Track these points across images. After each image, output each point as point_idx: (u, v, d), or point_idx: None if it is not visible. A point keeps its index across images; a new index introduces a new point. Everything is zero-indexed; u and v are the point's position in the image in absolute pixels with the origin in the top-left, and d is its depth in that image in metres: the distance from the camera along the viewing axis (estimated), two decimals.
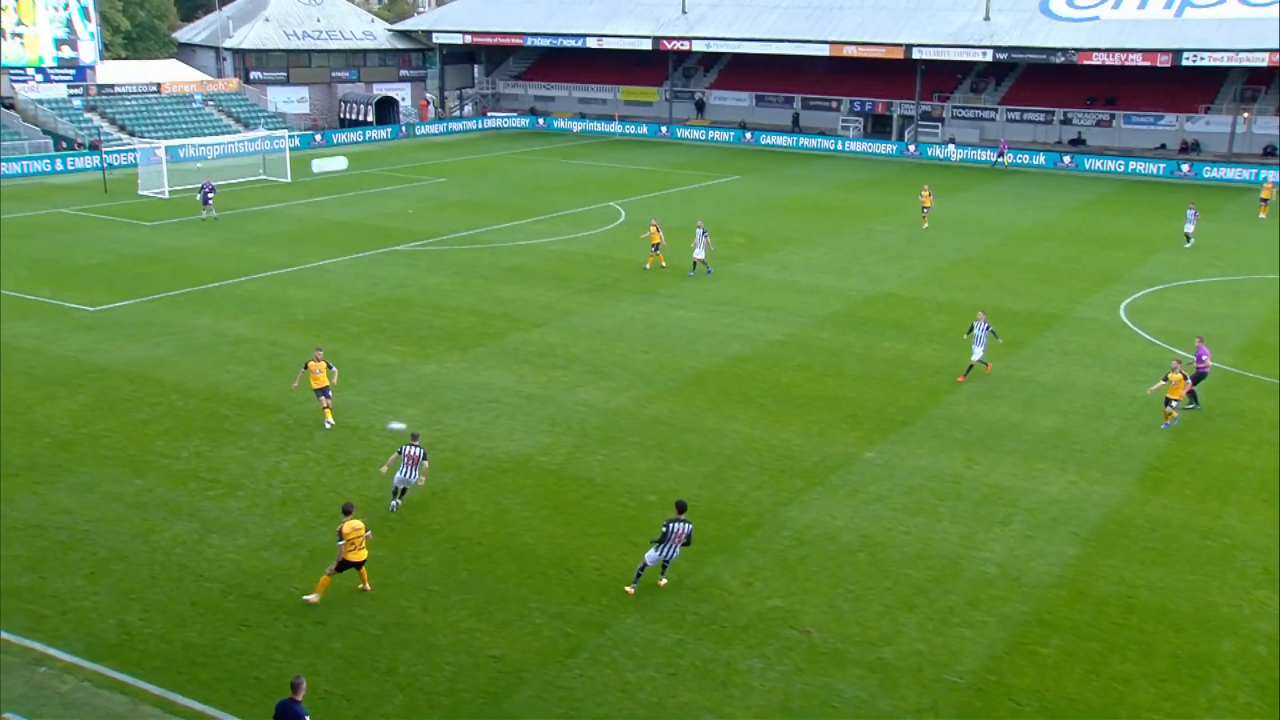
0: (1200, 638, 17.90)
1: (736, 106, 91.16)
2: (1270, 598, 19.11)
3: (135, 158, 62.90)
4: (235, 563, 19.65)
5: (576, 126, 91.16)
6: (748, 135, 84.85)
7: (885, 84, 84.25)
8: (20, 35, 71.16)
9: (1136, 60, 72.35)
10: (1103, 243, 49.63)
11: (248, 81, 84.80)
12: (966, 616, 18.38)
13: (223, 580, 19.06)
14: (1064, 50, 73.80)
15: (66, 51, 73.41)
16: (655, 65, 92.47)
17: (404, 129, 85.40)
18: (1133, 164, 73.67)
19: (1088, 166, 74.26)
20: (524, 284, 39.66)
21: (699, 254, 41.34)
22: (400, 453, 21.57)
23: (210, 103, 79.04)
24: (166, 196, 56.30)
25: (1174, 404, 26.50)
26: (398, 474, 21.55)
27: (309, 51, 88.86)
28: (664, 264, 41.85)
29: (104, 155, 63.81)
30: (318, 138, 78.40)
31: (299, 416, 26.34)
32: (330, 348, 27.66)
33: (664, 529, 18.64)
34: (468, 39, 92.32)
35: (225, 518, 21.35)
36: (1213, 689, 16.57)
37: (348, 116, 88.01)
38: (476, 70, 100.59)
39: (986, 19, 76.34)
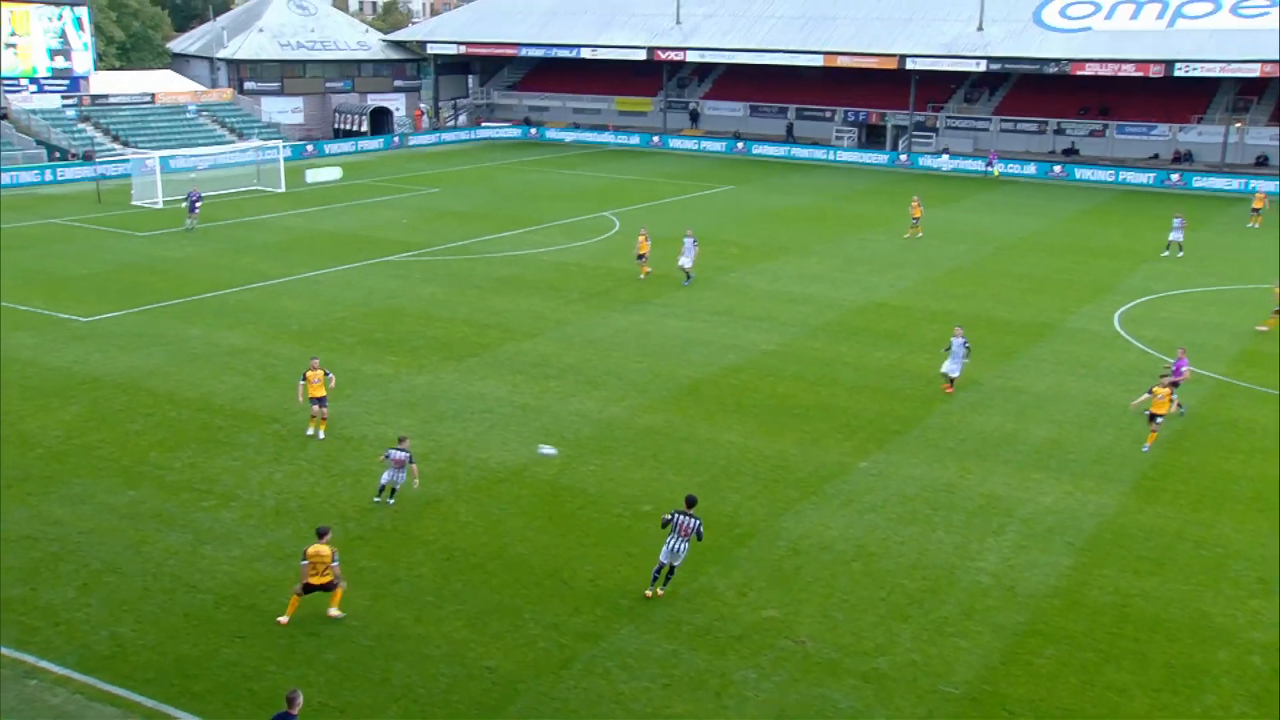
0: (1195, 647, 17.90)
1: (731, 116, 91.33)
2: (1265, 607, 19.12)
3: (129, 168, 62.86)
4: (228, 574, 19.59)
5: (569, 137, 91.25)
6: (740, 145, 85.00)
7: (879, 94, 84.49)
8: (14, 45, 71.14)
9: (1129, 71, 72.61)
10: (1095, 252, 49.74)
11: (242, 92, 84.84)
12: (961, 627, 18.37)
13: (216, 592, 19.00)
14: (1057, 61, 74.03)
15: (60, 62, 73.41)
16: (650, 75, 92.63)
17: (397, 139, 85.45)
18: (1123, 174, 73.92)
19: (1079, 176, 74.47)
20: (518, 294, 39.66)
21: (686, 262, 41.36)
22: (386, 456, 22.05)
23: (204, 113, 79.04)
24: (160, 207, 56.26)
25: (1159, 420, 26.04)
26: (384, 474, 22.17)
27: (303, 62, 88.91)
28: (643, 274, 41.68)
29: (97, 165, 63.78)
30: (310, 148, 78.38)
31: (293, 427, 26.29)
32: (324, 358, 27.61)
33: (667, 518, 18.72)
34: (462, 49, 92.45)
35: (218, 529, 21.29)
36: (1207, 699, 16.57)
37: (342, 127, 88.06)
38: (471, 80, 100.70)
39: (980, 29, 76.57)
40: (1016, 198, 66.52)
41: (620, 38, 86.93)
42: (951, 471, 24.70)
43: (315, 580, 17.68)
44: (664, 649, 17.57)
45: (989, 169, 75.76)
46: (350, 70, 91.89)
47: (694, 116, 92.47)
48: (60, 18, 72.82)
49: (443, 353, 32.52)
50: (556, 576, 19.76)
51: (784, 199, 64.13)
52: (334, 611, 18.07)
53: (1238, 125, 76.03)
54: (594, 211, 57.58)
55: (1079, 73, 74.10)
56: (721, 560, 20.29)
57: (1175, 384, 28.03)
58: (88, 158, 68.04)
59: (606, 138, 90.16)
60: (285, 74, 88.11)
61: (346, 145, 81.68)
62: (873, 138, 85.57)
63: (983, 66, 76.49)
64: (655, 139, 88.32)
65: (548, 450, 21.72)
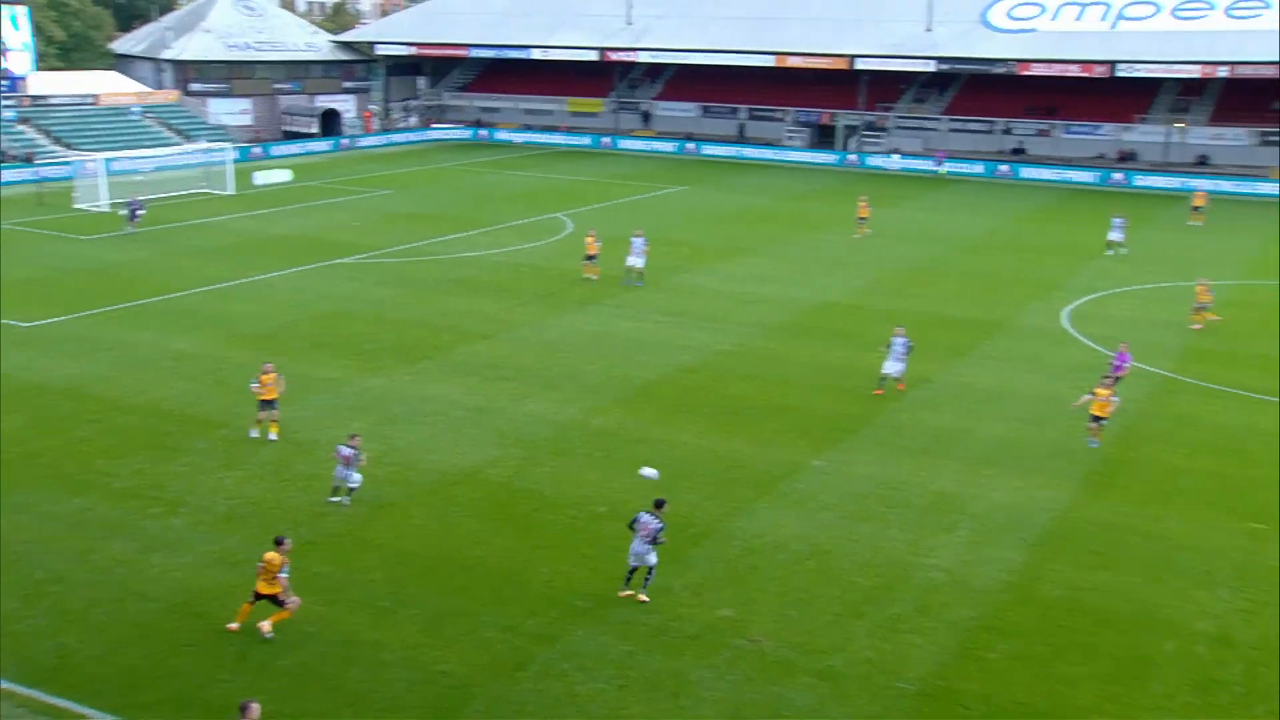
0: (1142, 639, 18.15)
1: (683, 117, 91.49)
2: (1209, 599, 19.43)
3: (70, 170, 61.87)
4: (178, 581, 19.33)
5: (519, 138, 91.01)
6: (690, 145, 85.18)
7: (830, 94, 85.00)
8: None
9: (1074, 71, 73.65)
10: (1042, 251, 50.34)
11: (188, 93, 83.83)
12: (915, 623, 18.50)
13: (165, 600, 18.73)
14: (1003, 61, 74.90)
15: None
16: (601, 76, 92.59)
17: (347, 141, 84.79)
18: (1068, 173, 74.95)
19: (1026, 176, 75.37)
20: (470, 296, 39.48)
21: (637, 263, 41.35)
22: (336, 451, 22.36)
23: (149, 115, 77.96)
24: (106, 209, 55.43)
25: (1102, 422, 25.93)
26: (336, 470, 22.39)
27: (251, 63, 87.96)
28: (587, 276, 41.50)
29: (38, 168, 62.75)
30: (258, 150, 77.56)
31: (244, 432, 25.98)
32: (275, 362, 27.30)
33: (634, 519, 18.81)
34: (412, 50, 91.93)
35: (168, 536, 21.00)
36: (1154, 689, 16.81)
37: (291, 129, 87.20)
38: (421, 82, 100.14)
39: (928, 30, 77.23)
40: (965, 197, 67.18)
41: (571, 38, 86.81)
42: (904, 469, 24.88)
43: (263, 589, 17.40)
44: (620, 650, 17.55)
45: (938, 168, 76.55)
46: (299, 71, 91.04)
47: (646, 117, 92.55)
48: None
49: (395, 356, 32.30)
50: (511, 579, 19.68)
51: (736, 199, 64.34)
52: (265, 626, 17.44)
53: (1179, 125, 77.27)
54: (546, 213, 57.46)
55: (1025, 73, 75.02)
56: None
57: (1117, 379, 28.43)
58: (28, 159, 66.88)
59: (558, 139, 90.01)
60: (232, 75, 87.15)
61: (295, 147, 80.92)
62: (824, 138, 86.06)
63: (931, 67, 77.21)
64: (606, 140, 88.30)
65: (650, 473, 20.86)
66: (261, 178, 66.11)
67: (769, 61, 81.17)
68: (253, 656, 17.12)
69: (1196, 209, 59.05)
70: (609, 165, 78.20)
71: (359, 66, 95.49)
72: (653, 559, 18.82)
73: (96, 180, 57.08)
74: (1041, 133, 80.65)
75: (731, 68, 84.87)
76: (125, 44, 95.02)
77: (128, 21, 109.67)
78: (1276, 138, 74.71)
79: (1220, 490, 24.08)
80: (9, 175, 64.28)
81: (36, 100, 73.77)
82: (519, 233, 51.81)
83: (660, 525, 18.73)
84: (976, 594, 19.48)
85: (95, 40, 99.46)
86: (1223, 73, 71.20)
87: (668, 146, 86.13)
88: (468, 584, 19.48)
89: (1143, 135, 78.42)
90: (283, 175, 67.73)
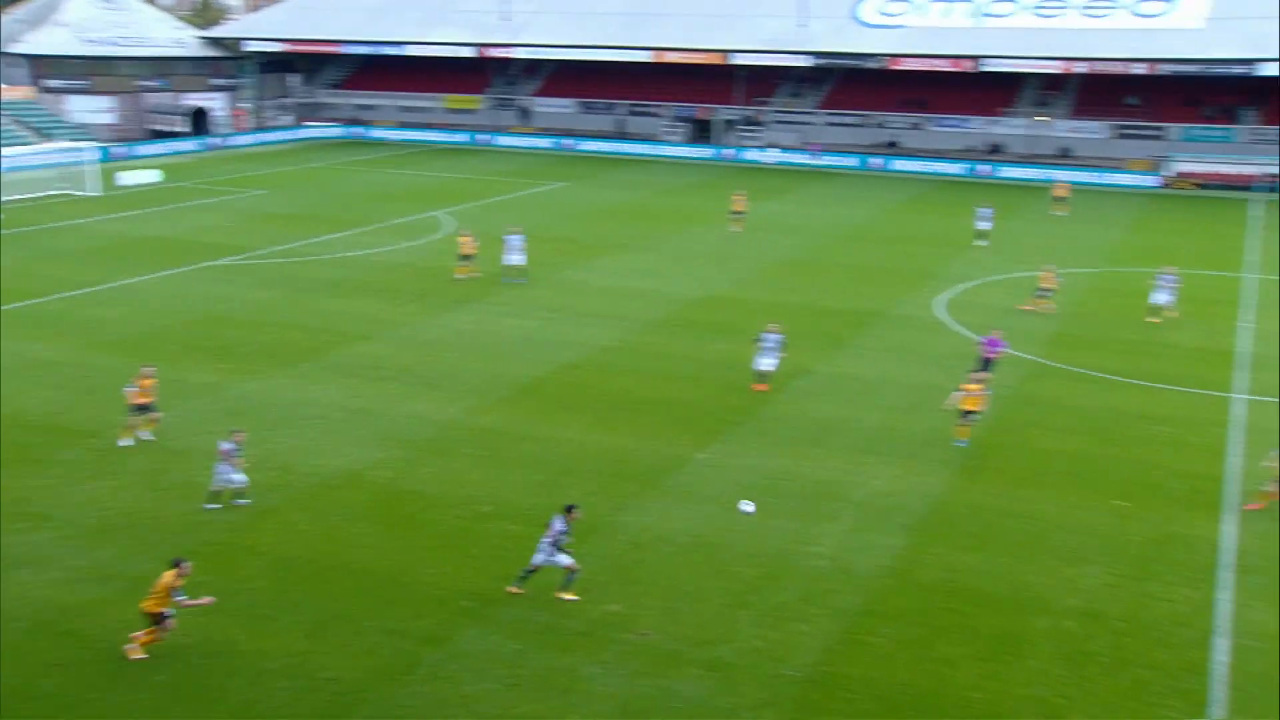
0: (1016, 616, 18.72)
1: (562, 113, 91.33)
2: (1078, 575, 20.12)
3: None
4: (44, 599, 18.62)
5: (396, 135, 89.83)
6: (569, 141, 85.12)
7: (707, 89, 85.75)
8: None
9: (943, 66, 75.63)
10: (916, 241, 51.54)
11: (43, 90, 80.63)
12: (801, 611, 18.78)
13: (30, 618, 18.02)
14: (876, 56, 76.49)
15: None
16: (478, 73, 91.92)
17: (217, 140, 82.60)
18: (938, 165, 76.96)
19: (899, 168, 77.11)
20: (349, 297, 38.84)
21: (517, 260, 41.16)
22: (218, 448, 22.03)
23: (3, 112, 74.81)
24: None
25: (973, 416, 26.06)
26: (215, 469, 21.97)
27: (112, 59, 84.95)
28: (462, 276, 41.17)
29: None
30: (120, 149, 74.96)
31: (114, 441, 25.12)
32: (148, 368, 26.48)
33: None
34: (283, 47, 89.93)
35: (32, 551, 20.20)
36: (1028, 664, 17.36)
37: (158, 128, 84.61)
38: (293, 79, 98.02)
39: (802, 26, 78.37)
40: (840, 190, 68.40)
41: (447, 35, 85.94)
42: (787, 459, 25.23)
43: (150, 607, 16.72)
44: (509, 649, 17.47)
45: (814, 158, 78.06)
46: (164, 68, 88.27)
47: (524, 114, 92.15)
48: None
49: (273, 359, 31.60)
50: (397, 581, 19.44)
51: (616, 195, 64.48)
52: (132, 646, 16.80)
53: (1041, 119, 79.88)
54: (424, 211, 56.83)
55: (897, 68, 76.71)
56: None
57: (989, 361, 29.26)
58: None
59: (435, 136, 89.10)
60: (92, 71, 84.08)
61: (162, 147, 78.55)
62: (701, 133, 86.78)
63: (806, 62, 78.43)
64: (484, 137, 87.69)
65: (747, 507, 20.57)
66: (127, 178, 64.03)
67: (646, 57, 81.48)
68: (127, 674, 16.59)
69: (1059, 199, 61.09)
70: (487, 162, 77.69)
71: (228, 63, 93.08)
72: (564, 560, 18.76)
73: None
74: (914, 126, 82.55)
75: (609, 63, 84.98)
76: None
77: None
78: (1132, 131, 77.78)
79: (1087, 470, 24.96)
80: None
81: None
82: (397, 232, 51.14)
83: (563, 529, 18.70)
84: (859, 580, 19.86)
85: None
86: (1081, 68, 73.81)
87: (546, 143, 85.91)
88: (353, 588, 19.18)
89: (1009, 128, 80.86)
90: (151, 176, 65.71)
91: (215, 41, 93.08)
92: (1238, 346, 34.99)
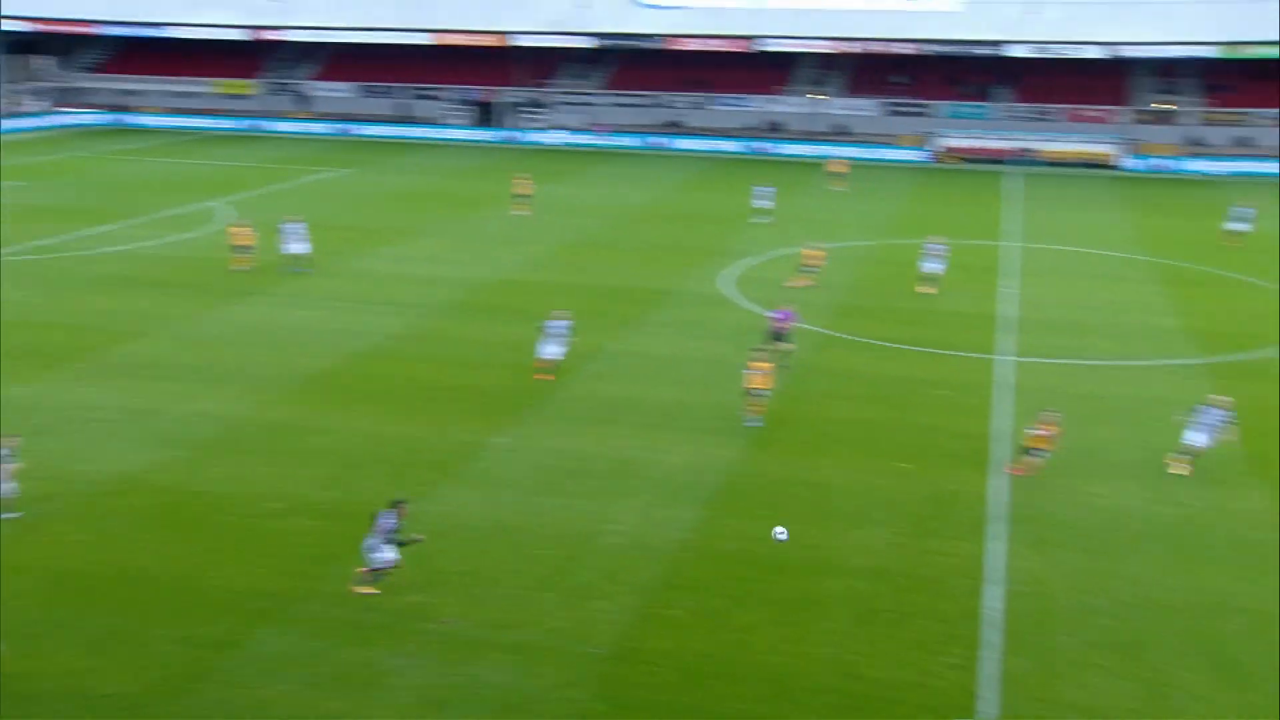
0: (810, 580, 19.38)
1: (342, 98, 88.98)
2: (866, 537, 20.97)
3: None
4: None
5: (165, 122, 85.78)
6: (350, 126, 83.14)
7: (490, 72, 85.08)
8: None
9: (722, 45, 77.31)
10: (702, 219, 52.56)
11: None
12: (602, 589, 18.94)
13: None
14: (655, 36, 77.52)
15: None
16: (252, 56, 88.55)
17: None
18: (719, 143, 78.68)
19: (683, 147, 78.44)
20: (122, 293, 36.89)
21: (299, 249, 39.95)
22: None
23: None
24: None
25: (763, 394, 26.27)
26: None
27: None
28: (238, 268, 39.69)
29: None
30: None
31: None
32: None
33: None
34: (30, 26, 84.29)
35: None
36: (823, 625, 18.00)
37: None
38: (44, 61, 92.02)
39: (583, 7, 78.63)
40: (626, 170, 69.07)
41: (216, 16, 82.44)
42: (584, 440, 25.37)
43: None
44: (308, 648, 17.01)
45: (598, 140, 78.60)
46: None
47: (302, 98, 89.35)
48: None
49: (39, 361, 29.72)
50: (185, 588, 18.64)
51: (400, 180, 63.36)
52: None
53: (818, 97, 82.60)
54: (198, 202, 54.48)
55: (677, 47, 77.94)
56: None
57: (780, 334, 30.14)
58: None
59: (207, 123, 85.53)
60: None
61: None
62: (486, 116, 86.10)
63: (587, 43, 78.76)
64: (260, 123, 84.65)
65: (781, 533, 19.77)
66: None
67: (426, 39, 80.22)
68: None
69: (835, 175, 63.31)
70: (264, 150, 75.06)
71: None
72: (389, 555, 18.33)
73: None
74: (696, 106, 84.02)
75: (390, 46, 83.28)
76: None
77: None
78: (902, 108, 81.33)
79: (872, 436, 26.01)
80: None
81: None
82: (168, 224, 48.87)
83: (393, 524, 18.31)
84: (658, 555, 20.16)
85: None
86: (852, 48, 76.75)
87: (326, 129, 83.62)
88: (136, 598, 18.29)
89: (787, 106, 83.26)
90: None
91: None
92: (1000, 311, 37.10)
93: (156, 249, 43.64)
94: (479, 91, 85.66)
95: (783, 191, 55.55)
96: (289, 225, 40.38)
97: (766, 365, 26.24)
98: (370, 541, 18.30)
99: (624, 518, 21.57)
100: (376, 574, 18.39)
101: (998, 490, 23.01)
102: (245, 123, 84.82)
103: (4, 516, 20.58)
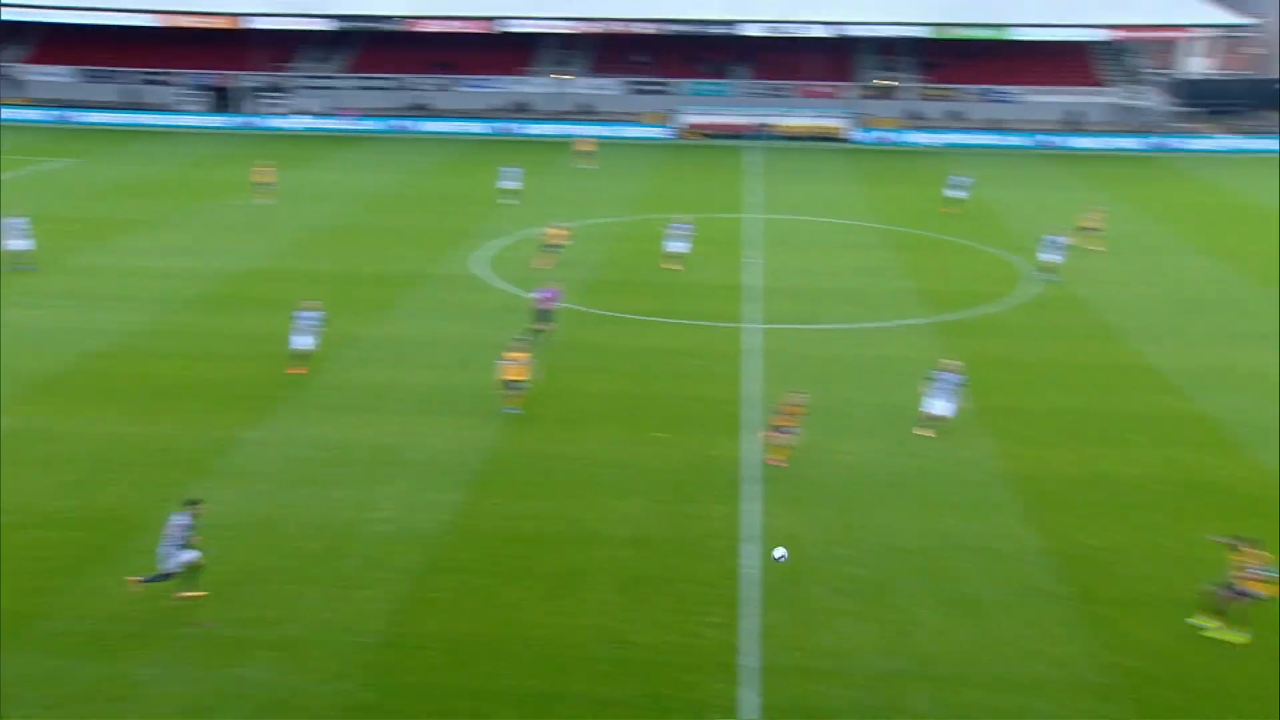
0: (574, 553, 19.73)
1: (60, 82, 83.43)
2: (626, 506, 21.46)
3: None
4: None
5: None
6: (71, 113, 78.16)
7: (225, 56, 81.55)
8: None
9: (462, 27, 76.74)
10: (452, 202, 52.20)
11: None
12: (368, 578, 18.73)
13: None
14: (395, 18, 76.20)
15: None
16: None
17: None
18: (466, 125, 78.14)
19: (431, 130, 77.50)
20: None
21: (18, 245, 37.37)
22: None
23: None
24: None
25: (519, 386, 25.79)
26: None
27: None
28: None
29: None
30: None
31: None
32: None
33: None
34: None
35: None
36: (588, 595, 18.39)
37: None
38: None
39: None
40: (373, 155, 67.73)
41: None
42: (342, 428, 24.92)
43: None
44: (48, 667, 16.11)
45: (342, 125, 76.70)
46: None
47: (13, 83, 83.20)
48: None
49: None
50: None
51: (131, 170, 60.07)
52: None
53: (562, 76, 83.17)
54: None
55: (419, 29, 76.83)
56: (106, 559, 18.93)
57: (545, 313, 30.40)
58: None
59: None
60: None
61: None
62: (223, 101, 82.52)
63: (326, 25, 76.61)
64: None
65: (780, 553, 18.63)
66: None
67: (153, 21, 76.15)
68: None
69: (583, 154, 63.98)
70: None
71: None
72: (186, 557, 17.54)
73: None
74: (443, 88, 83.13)
75: (114, 28, 78.58)
76: None
77: None
78: (644, 87, 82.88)
79: (628, 408, 26.60)
80: None
81: None
82: None
83: (187, 524, 17.59)
84: (424, 539, 20.08)
85: None
86: (594, 28, 77.66)
87: (42, 115, 78.27)
88: None
89: (533, 87, 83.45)
90: None
91: None
92: (745, 281, 38.51)
93: None
94: (213, 76, 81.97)
95: (532, 171, 55.76)
96: (8, 221, 37.72)
97: (523, 355, 25.81)
98: (164, 547, 17.49)
99: (387, 504, 21.37)
100: (168, 577, 17.65)
101: (751, 453, 23.98)
102: None
103: None
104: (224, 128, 77.67)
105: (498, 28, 76.22)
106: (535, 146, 71.10)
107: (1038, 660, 16.83)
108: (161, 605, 17.62)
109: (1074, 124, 79.60)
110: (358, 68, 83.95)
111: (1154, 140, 76.10)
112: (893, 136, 77.85)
